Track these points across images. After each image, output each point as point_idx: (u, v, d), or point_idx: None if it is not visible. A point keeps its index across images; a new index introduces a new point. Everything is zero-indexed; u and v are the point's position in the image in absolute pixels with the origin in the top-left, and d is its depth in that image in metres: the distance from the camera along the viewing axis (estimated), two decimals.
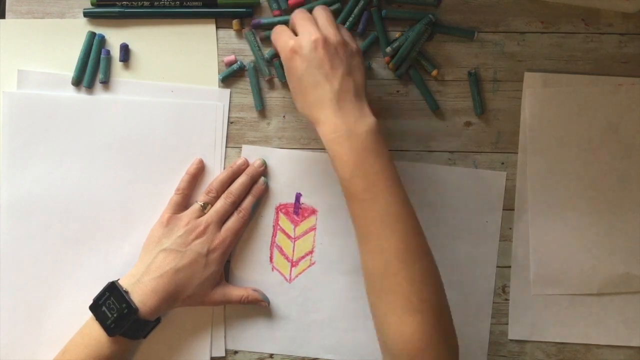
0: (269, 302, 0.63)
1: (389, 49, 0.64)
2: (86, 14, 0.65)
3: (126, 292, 0.58)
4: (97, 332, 0.58)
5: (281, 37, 0.55)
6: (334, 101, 0.53)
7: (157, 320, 0.61)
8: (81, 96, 0.65)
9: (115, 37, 0.65)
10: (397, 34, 0.65)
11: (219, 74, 0.65)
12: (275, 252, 0.65)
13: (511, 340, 0.65)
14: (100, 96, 0.65)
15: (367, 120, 0.53)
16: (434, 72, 0.64)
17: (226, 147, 0.65)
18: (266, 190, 0.64)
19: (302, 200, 0.65)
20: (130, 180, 0.65)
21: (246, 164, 0.64)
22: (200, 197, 0.62)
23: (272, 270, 0.65)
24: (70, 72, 0.64)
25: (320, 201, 0.64)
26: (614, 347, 0.65)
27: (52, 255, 0.64)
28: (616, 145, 0.64)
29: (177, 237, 0.60)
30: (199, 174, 0.64)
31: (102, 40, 0.65)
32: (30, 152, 0.64)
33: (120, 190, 0.64)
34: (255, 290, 0.63)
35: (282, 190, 0.65)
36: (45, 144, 0.64)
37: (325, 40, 0.53)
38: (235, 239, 0.62)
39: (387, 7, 0.65)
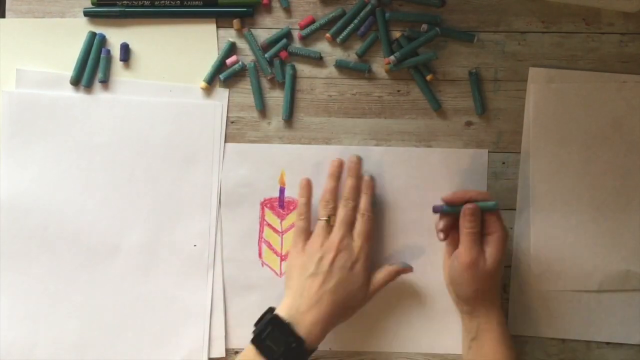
0: (410, 267, 0.63)
1: (393, 58, 0.64)
2: (86, 14, 0.65)
3: (289, 324, 0.56)
4: None
5: (501, 219, 0.60)
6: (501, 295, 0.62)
7: (315, 347, 0.59)
8: (80, 96, 0.65)
9: (115, 36, 0.65)
10: (397, 34, 0.65)
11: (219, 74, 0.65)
12: (264, 247, 0.65)
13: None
14: (99, 96, 0.65)
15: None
16: (429, 77, 0.64)
17: (225, 146, 0.65)
18: (375, 184, 0.64)
19: (286, 193, 0.65)
20: (129, 180, 0.64)
21: (343, 165, 0.63)
22: (320, 212, 0.61)
23: (262, 265, 0.65)
24: (70, 71, 0.64)
25: None
26: (614, 346, 0.65)
27: (50, 254, 0.64)
28: (619, 143, 0.64)
29: (319, 259, 0.59)
30: (311, 195, 0.63)
31: (103, 39, 0.65)
32: (28, 152, 0.64)
33: (119, 190, 0.64)
34: (391, 265, 0.62)
35: (265, 185, 0.65)
36: (43, 143, 0.64)
37: None
38: (370, 242, 0.61)
39: (390, 7, 0.65)
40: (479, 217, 0.59)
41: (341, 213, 0.61)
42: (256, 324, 0.59)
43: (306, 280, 0.58)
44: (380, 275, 0.61)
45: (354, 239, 0.60)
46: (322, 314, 0.57)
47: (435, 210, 0.61)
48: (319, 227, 0.61)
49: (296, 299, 0.58)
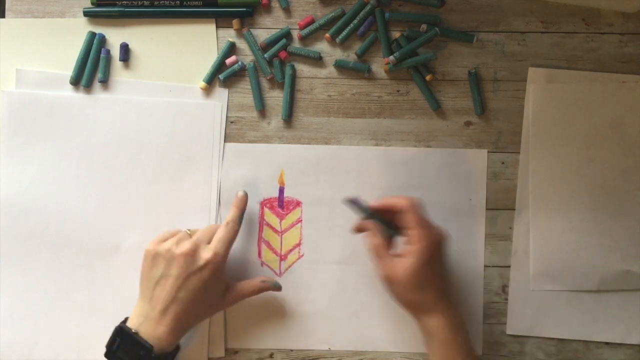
0: (279, 287, 0.62)
1: (392, 58, 0.64)
2: (86, 14, 0.65)
3: (136, 333, 0.55)
4: None
5: (428, 225, 0.57)
6: (449, 297, 0.58)
7: (177, 349, 0.59)
8: (80, 95, 0.65)
9: (115, 36, 0.65)
10: (396, 34, 0.65)
11: (219, 74, 0.65)
12: (264, 247, 0.65)
13: (509, 335, 0.65)
14: (98, 95, 0.65)
15: (459, 310, 0.59)
16: (429, 77, 0.65)
17: (224, 146, 0.65)
18: (247, 200, 0.62)
19: (285, 193, 0.65)
20: (128, 180, 0.64)
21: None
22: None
23: (262, 265, 0.65)
24: (70, 71, 0.64)
25: (304, 193, 0.65)
26: (613, 346, 0.65)
27: (50, 254, 0.64)
28: (619, 143, 0.64)
29: (167, 262, 0.57)
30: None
31: (102, 39, 0.65)
32: (28, 151, 0.64)
33: (119, 190, 0.64)
34: (263, 281, 0.62)
35: (265, 185, 0.65)
36: (43, 143, 0.64)
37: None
38: (226, 249, 0.59)
39: (389, 7, 0.65)
40: (378, 234, 0.59)
41: (206, 227, 0.60)
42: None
43: (155, 286, 0.57)
44: (246, 285, 0.61)
45: (211, 245, 0.58)
46: (170, 322, 0.56)
47: (348, 203, 0.61)
48: (178, 235, 0.59)
49: (145, 307, 0.57)
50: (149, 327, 0.56)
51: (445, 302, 0.57)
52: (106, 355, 0.56)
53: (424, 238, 0.56)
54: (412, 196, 0.59)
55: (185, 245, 0.57)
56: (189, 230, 0.61)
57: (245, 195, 0.62)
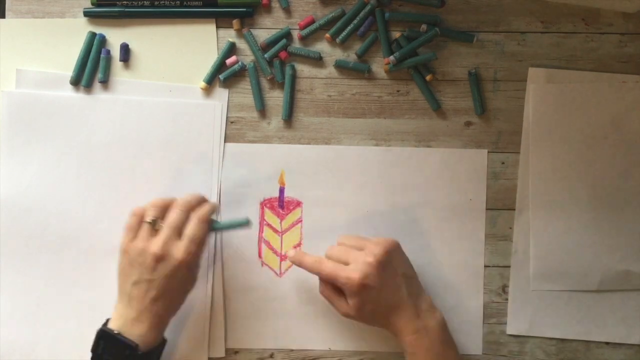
0: (249, 222, 0.61)
1: (392, 58, 0.64)
2: (86, 14, 0.65)
3: (118, 333, 0.55)
4: None
5: (341, 272, 0.57)
6: (412, 304, 0.57)
7: (164, 342, 0.59)
8: (80, 96, 0.65)
9: (115, 37, 0.65)
10: (396, 34, 0.65)
11: (220, 74, 0.65)
12: (264, 247, 0.65)
13: (509, 335, 0.65)
14: (98, 95, 0.65)
15: (436, 314, 0.58)
16: (429, 77, 0.65)
17: (225, 145, 0.65)
18: (216, 210, 0.62)
19: (286, 193, 0.65)
20: (129, 180, 0.64)
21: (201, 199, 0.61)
22: (147, 213, 0.58)
23: (262, 265, 0.65)
24: (70, 71, 0.64)
25: (304, 193, 0.65)
26: (614, 346, 0.65)
27: (50, 254, 0.64)
28: (619, 143, 0.64)
29: (140, 265, 0.56)
30: (164, 206, 0.59)
31: (103, 40, 0.65)
32: (28, 152, 0.64)
33: (119, 190, 0.64)
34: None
35: (265, 185, 0.65)
36: (43, 143, 0.64)
37: (386, 254, 0.57)
38: (199, 247, 0.58)
39: (389, 7, 0.65)
40: (323, 283, 0.60)
41: (172, 216, 0.58)
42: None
43: (132, 288, 0.56)
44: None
45: (182, 243, 0.57)
46: (151, 320, 0.56)
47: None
48: (143, 230, 0.57)
49: (125, 308, 0.57)
50: (131, 326, 0.56)
51: (410, 311, 0.57)
52: (92, 359, 0.56)
53: (345, 285, 0.56)
54: (316, 256, 0.59)
55: (156, 246, 0.56)
56: (149, 221, 0.57)
57: (217, 205, 0.63)
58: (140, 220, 0.58)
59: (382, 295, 0.57)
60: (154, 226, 0.57)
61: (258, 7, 0.66)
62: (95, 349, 0.56)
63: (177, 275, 0.56)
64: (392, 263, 0.57)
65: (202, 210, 0.59)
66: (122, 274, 0.58)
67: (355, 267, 0.56)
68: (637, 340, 0.65)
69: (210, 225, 0.59)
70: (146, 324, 0.56)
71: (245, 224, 0.60)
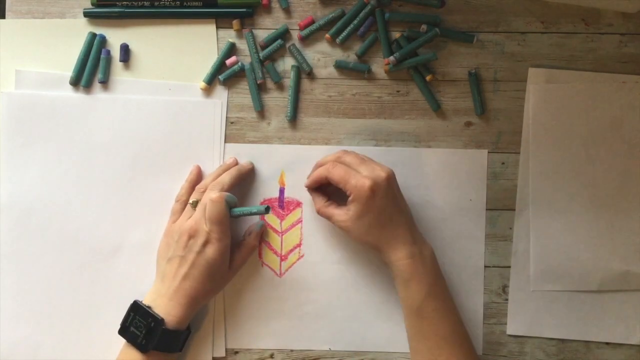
0: (263, 225, 0.64)
1: (392, 58, 0.64)
2: (86, 14, 0.65)
3: (149, 307, 0.58)
4: (132, 355, 0.58)
5: (352, 177, 0.58)
6: (408, 229, 0.59)
7: (188, 331, 0.61)
8: (80, 96, 0.65)
9: (115, 37, 0.65)
10: (396, 35, 0.65)
11: (219, 74, 0.65)
12: (264, 247, 0.65)
13: (509, 335, 0.65)
14: (98, 95, 0.65)
15: (428, 245, 0.60)
16: (429, 77, 0.65)
17: (225, 145, 0.65)
18: (250, 171, 0.64)
19: (286, 193, 0.65)
20: (129, 179, 0.65)
21: (235, 162, 0.64)
22: (191, 196, 0.62)
23: (262, 266, 0.65)
24: (70, 72, 0.64)
25: (304, 193, 0.65)
26: (614, 346, 0.65)
27: (52, 254, 0.64)
28: (619, 143, 0.64)
29: (175, 243, 0.60)
30: (197, 180, 0.64)
31: (103, 40, 0.65)
32: (29, 152, 0.64)
33: (120, 189, 0.64)
34: (249, 234, 0.63)
35: (265, 185, 0.65)
36: (44, 143, 0.64)
37: (392, 176, 0.59)
38: (224, 225, 0.60)
39: (389, 7, 0.65)
40: (318, 197, 0.62)
41: (204, 197, 0.60)
42: None
43: (166, 265, 0.60)
44: (239, 252, 0.62)
45: (205, 224, 0.59)
46: (180, 297, 0.58)
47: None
48: (185, 211, 0.62)
49: (158, 284, 0.60)
50: (161, 302, 0.59)
51: (406, 235, 0.59)
52: (120, 331, 0.58)
53: (355, 188, 0.57)
54: (335, 155, 0.61)
55: (188, 224, 0.60)
56: (192, 202, 0.61)
57: (251, 164, 0.65)
58: (182, 205, 0.62)
59: (384, 208, 0.58)
60: (194, 207, 0.61)
61: (258, 8, 0.66)
62: (125, 321, 0.58)
63: (207, 253, 0.58)
64: (395, 187, 0.59)
65: (216, 189, 0.60)
66: (160, 254, 0.61)
67: (368, 174, 0.58)
68: (637, 341, 0.65)
69: (230, 212, 0.60)
70: (174, 302, 0.58)
71: (263, 212, 0.60)
